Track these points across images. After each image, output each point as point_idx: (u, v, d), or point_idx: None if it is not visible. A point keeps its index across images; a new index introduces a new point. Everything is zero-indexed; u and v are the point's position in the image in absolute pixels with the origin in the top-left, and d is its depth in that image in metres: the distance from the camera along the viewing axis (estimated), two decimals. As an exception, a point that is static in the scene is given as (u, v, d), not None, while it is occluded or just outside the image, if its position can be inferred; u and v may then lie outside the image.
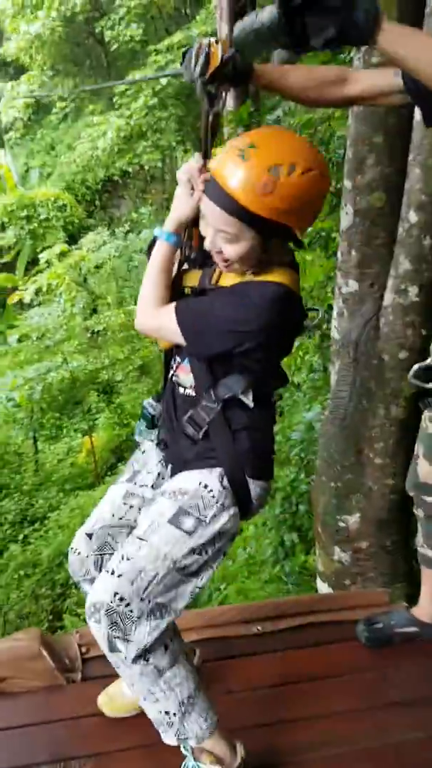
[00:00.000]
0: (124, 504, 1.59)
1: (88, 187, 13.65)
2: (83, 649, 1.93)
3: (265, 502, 1.61)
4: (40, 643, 1.89)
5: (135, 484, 1.61)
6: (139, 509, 1.56)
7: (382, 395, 2.46)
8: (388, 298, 2.40)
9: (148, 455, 1.64)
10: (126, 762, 1.63)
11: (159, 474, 1.61)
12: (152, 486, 1.59)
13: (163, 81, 9.66)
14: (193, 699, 1.45)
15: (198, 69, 1.25)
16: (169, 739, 1.47)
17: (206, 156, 1.37)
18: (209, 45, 1.24)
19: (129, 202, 13.86)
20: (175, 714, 1.44)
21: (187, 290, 1.46)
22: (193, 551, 1.41)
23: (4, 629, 4.84)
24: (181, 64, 1.30)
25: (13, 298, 11.71)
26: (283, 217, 1.27)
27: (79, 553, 1.60)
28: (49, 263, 11.33)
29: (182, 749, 1.50)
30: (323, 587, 2.85)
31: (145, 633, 1.38)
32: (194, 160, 1.38)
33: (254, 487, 1.50)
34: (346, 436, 2.59)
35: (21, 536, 6.36)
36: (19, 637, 1.99)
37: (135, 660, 1.40)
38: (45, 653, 1.87)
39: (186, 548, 1.41)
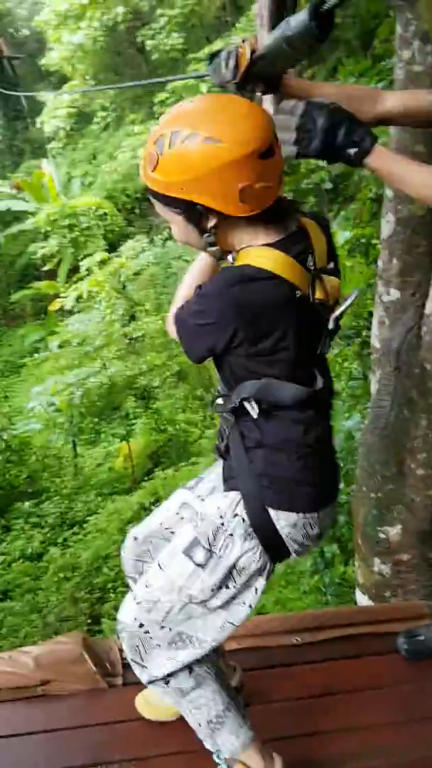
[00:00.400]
0: (177, 514, 1.53)
1: (128, 195, 13.83)
2: (123, 654, 1.95)
3: (309, 540, 1.37)
4: (83, 647, 1.92)
5: (194, 493, 1.52)
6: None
7: (424, 405, 2.43)
8: (430, 306, 2.38)
9: (216, 464, 1.53)
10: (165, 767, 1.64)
11: (214, 487, 1.49)
12: (203, 499, 1.48)
13: (203, 88, 9.73)
14: (222, 719, 1.43)
15: (229, 72, 1.22)
16: (208, 745, 1.48)
17: None
18: (237, 46, 1.22)
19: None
20: (204, 728, 1.45)
21: None
22: (210, 587, 1.32)
23: (44, 631, 4.91)
24: (208, 65, 1.28)
25: (54, 305, 11.94)
26: (180, 192, 1.18)
27: (126, 552, 1.62)
28: (89, 271, 11.51)
29: (215, 758, 1.50)
30: (363, 599, 2.82)
31: (161, 663, 1.38)
32: None
33: (279, 519, 1.32)
34: (387, 445, 2.56)
35: (61, 539, 6.45)
36: (61, 640, 2.02)
37: (150, 683, 1.43)
38: (87, 657, 1.90)
39: (200, 583, 1.33)
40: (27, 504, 7.09)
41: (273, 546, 1.35)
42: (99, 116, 14.31)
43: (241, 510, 1.33)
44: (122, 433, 8.41)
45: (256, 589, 1.37)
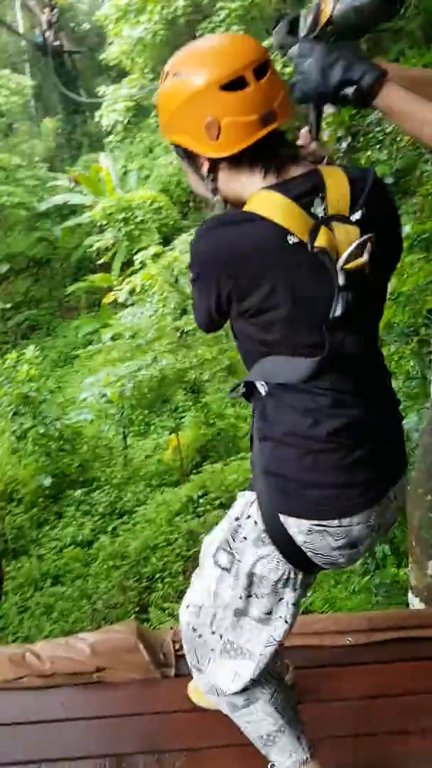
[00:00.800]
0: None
1: (183, 188, 13.89)
2: (176, 646, 1.97)
3: (338, 551, 1.17)
4: (137, 636, 1.95)
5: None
6: None
7: None
8: None
9: None
10: (218, 760, 1.65)
11: None
12: None
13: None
14: (273, 737, 1.39)
15: (306, 28, 1.12)
16: (263, 753, 1.46)
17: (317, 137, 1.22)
18: (319, 3, 1.12)
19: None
20: (257, 741, 1.42)
21: None
22: (239, 595, 1.23)
23: (92, 617, 5.02)
24: (273, 28, 1.20)
25: (108, 298, 12.11)
26: (168, 134, 1.15)
27: None
28: (143, 264, 11.62)
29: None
30: (415, 602, 2.77)
31: (215, 671, 1.33)
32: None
33: (289, 525, 1.16)
34: (447, 448, 2.51)
35: (110, 528, 6.57)
36: (116, 628, 2.06)
37: (207, 691, 1.39)
38: (141, 647, 1.93)
39: (230, 589, 1.24)
40: (78, 492, 7.24)
41: (292, 554, 1.18)
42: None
43: (254, 511, 1.20)
44: (171, 426, 8.49)
45: (286, 602, 1.23)
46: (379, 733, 1.74)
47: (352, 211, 1.10)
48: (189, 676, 1.86)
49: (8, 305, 14.13)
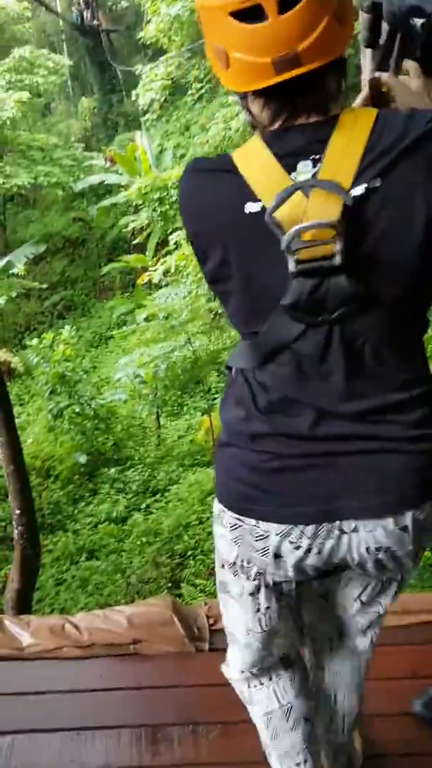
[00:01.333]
0: None
1: (218, 167, 13.77)
2: (210, 621, 2.02)
3: (254, 553, 1.07)
4: (172, 610, 1.99)
5: None
6: None
7: None
8: None
9: None
10: (252, 733, 1.68)
11: None
12: None
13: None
14: (268, 749, 1.36)
15: None
16: None
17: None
18: None
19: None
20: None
21: None
22: (222, 564, 1.17)
23: (126, 591, 5.14)
24: None
25: (143, 278, 12.15)
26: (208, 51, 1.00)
27: None
28: (177, 245, 11.61)
29: None
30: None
31: (229, 654, 1.32)
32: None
33: (223, 515, 1.10)
34: None
35: (144, 505, 6.67)
36: (152, 602, 2.11)
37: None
38: (176, 620, 1.97)
39: (222, 571, 1.19)
40: (113, 470, 7.36)
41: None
42: (193, 88, 14.26)
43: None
44: (204, 407, 8.53)
45: (259, 590, 1.13)
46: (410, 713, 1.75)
47: (358, 180, 0.89)
48: (223, 651, 1.91)
49: (44, 285, 14.28)
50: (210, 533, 4.94)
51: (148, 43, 14.42)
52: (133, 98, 15.57)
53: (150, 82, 14.38)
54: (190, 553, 5.45)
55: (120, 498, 6.88)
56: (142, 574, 5.37)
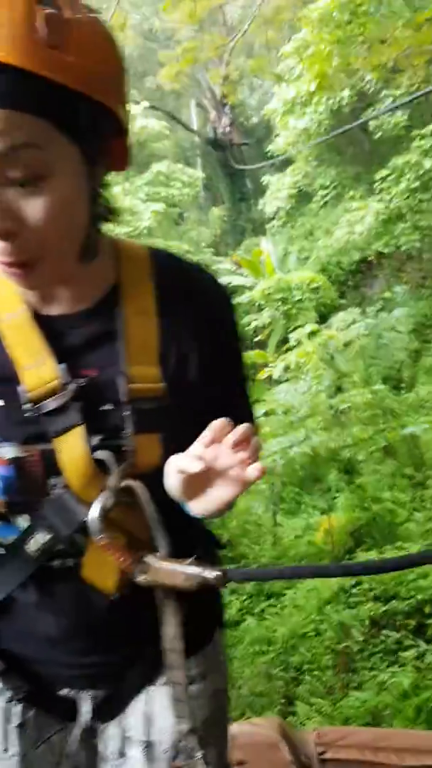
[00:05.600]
0: None
1: (342, 268, 14.04)
2: (320, 749, 1.83)
3: None
4: (280, 734, 1.83)
5: None
6: None
7: None
8: None
9: None
10: None
11: None
12: None
13: (427, 164, 9.64)
14: None
15: None
16: None
17: None
18: None
19: (382, 281, 13.89)
20: None
21: None
22: None
23: (237, 703, 4.83)
24: None
25: (262, 374, 12.35)
26: None
27: None
28: (299, 342, 11.76)
29: None
30: None
31: None
32: None
33: None
34: None
35: (257, 610, 6.38)
36: (259, 722, 1.96)
37: None
38: (284, 744, 1.80)
39: None
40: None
41: None
42: (319, 195, 14.89)
43: None
44: (323, 507, 8.22)
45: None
46: None
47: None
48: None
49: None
50: (328, 647, 4.60)
51: (278, 154, 15.41)
52: (260, 206, 16.52)
53: (277, 191, 15.22)
54: (306, 667, 5.06)
55: (233, 599, 6.63)
56: (254, 686, 5.04)
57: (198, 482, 0.87)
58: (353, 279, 14.20)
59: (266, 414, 10.79)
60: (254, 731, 1.91)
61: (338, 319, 12.68)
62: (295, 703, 4.68)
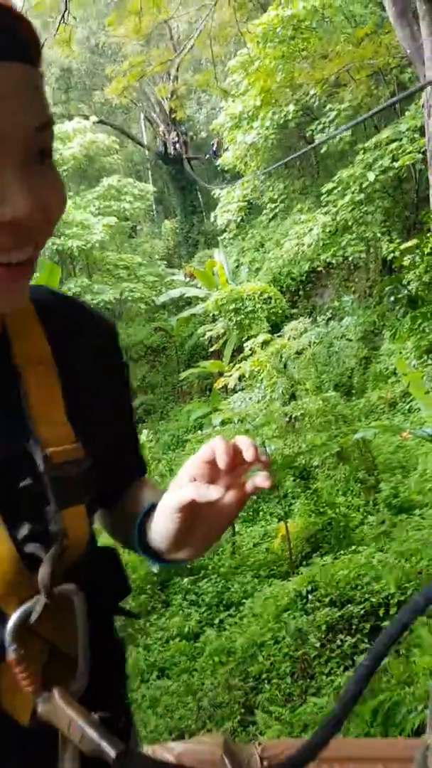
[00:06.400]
0: None
1: (292, 278, 14.30)
2: (264, 763, 1.87)
3: None
4: (224, 750, 1.87)
5: None
6: None
7: None
8: None
9: None
10: None
11: None
12: None
13: (371, 177, 9.93)
14: None
15: None
16: None
17: None
18: None
19: (331, 291, 14.19)
20: None
21: None
22: None
23: (198, 716, 4.85)
24: None
25: (219, 383, 12.45)
26: None
27: None
28: (252, 351, 11.92)
29: None
30: None
31: None
32: None
33: None
34: None
35: (216, 620, 6.41)
36: (203, 740, 2.00)
37: None
38: (227, 761, 1.84)
39: None
40: (186, 580, 7.19)
41: None
42: (268, 208, 15.15)
43: None
44: (280, 513, 8.33)
45: None
46: None
47: None
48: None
49: (126, 392, 14.86)
50: (286, 654, 4.67)
51: (226, 168, 15.60)
52: (212, 219, 16.68)
53: (227, 204, 15.40)
54: (264, 676, 5.11)
55: (192, 611, 6.65)
56: (215, 697, 5.06)
57: (196, 514, 0.77)
58: (303, 289, 14.47)
59: (222, 423, 10.88)
60: (198, 749, 1.93)
61: (290, 328, 12.91)
62: (254, 712, 4.73)
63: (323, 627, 5.25)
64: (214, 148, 18.73)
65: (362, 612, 5.23)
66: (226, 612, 6.54)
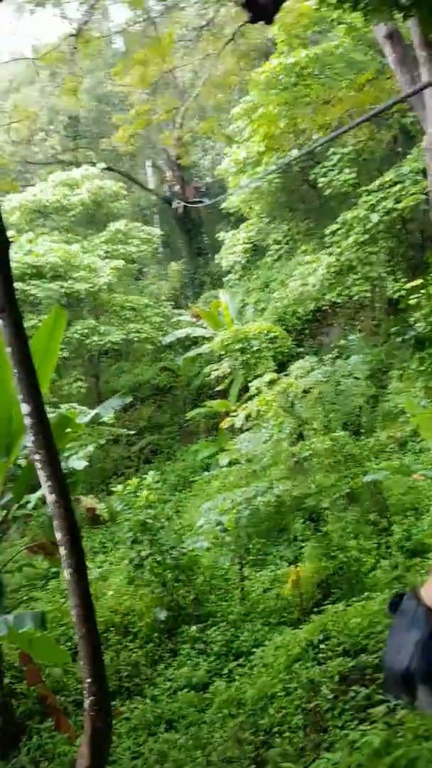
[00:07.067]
0: None
1: (298, 318, 14.37)
2: None
3: None
4: None
5: None
6: None
7: None
8: None
9: None
10: None
11: None
12: None
13: (374, 218, 10.04)
14: None
15: None
16: None
17: None
18: None
19: (337, 330, 14.24)
20: None
21: None
22: None
23: (205, 774, 4.63)
24: None
25: (225, 423, 12.38)
26: None
27: None
28: (259, 390, 11.87)
29: None
30: None
31: None
32: None
33: None
34: None
35: (226, 670, 6.20)
36: None
37: None
38: None
39: None
40: (194, 628, 6.99)
41: None
42: (272, 249, 15.34)
43: None
44: (290, 557, 8.15)
45: None
46: None
47: None
48: None
49: (133, 432, 14.81)
50: (298, 706, 4.48)
51: (231, 211, 15.85)
52: (217, 260, 16.87)
53: (232, 246, 15.61)
54: (276, 729, 4.90)
55: (201, 660, 6.43)
56: (224, 752, 4.84)
57: None
58: (309, 328, 14.52)
59: (230, 464, 10.76)
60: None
61: (296, 366, 12.87)
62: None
63: (336, 678, 5.05)
64: (202, 191, 19.16)
65: (376, 661, 5.04)
66: (235, 661, 6.32)
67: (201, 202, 20.68)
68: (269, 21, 4.70)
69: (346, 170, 12.04)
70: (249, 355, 13.17)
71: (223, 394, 14.40)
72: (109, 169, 19.30)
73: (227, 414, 12.76)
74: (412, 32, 7.01)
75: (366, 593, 6.29)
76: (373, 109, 12.20)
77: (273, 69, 12.46)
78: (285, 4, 6.05)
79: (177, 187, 20.24)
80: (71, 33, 11.71)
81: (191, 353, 15.56)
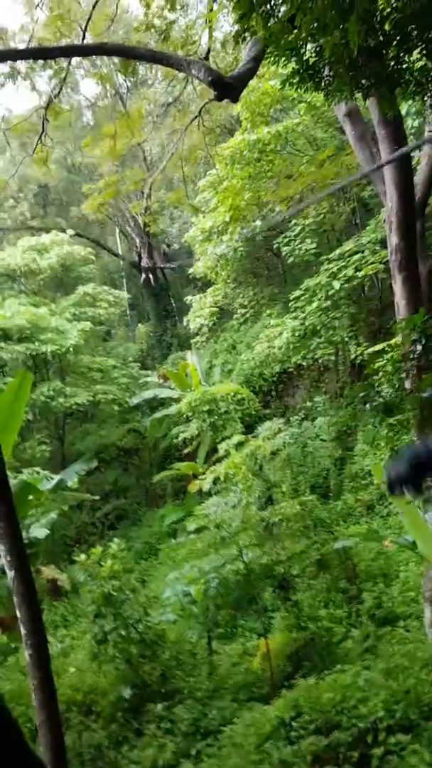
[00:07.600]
0: None
1: (265, 379, 14.51)
2: None
3: None
4: None
5: None
6: None
7: None
8: None
9: None
10: None
11: None
12: None
13: (336, 285, 10.36)
14: None
15: None
16: None
17: None
18: None
19: (303, 391, 14.40)
20: None
21: None
22: None
23: None
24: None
25: (193, 486, 12.24)
26: None
27: None
28: (227, 452, 11.82)
29: None
30: None
31: None
32: None
33: None
34: None
35: (194, 751, 5.88)
36: None
37: None
38: None
39: None
40: (159, 706, 6.66)
41: None
42: (239, 312, 15.65)
43: None
44: (260, 629, 7.92)
45: None
46: None
47: None
48: None
49: (97, 497, 14.49)
50: (272, 794, 4.20)
51: (198, 277, 16.20)
52: (185, 323, 17.11)
53: (200, 309, 15.88)
54: None
55: (167, 741, 6.09)
56: None
57: None
58: (276, 389, 14.66)
59: (197, 531, 10.54)
60: None
61: (264, 428, 12.89)
62: None
63: (308, 758, 4.83)
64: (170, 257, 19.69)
65: (350, 739, 4.85)
66: (203, 741, 6.00)
67: (171, 268, 21.17)
68: (234, 99, 4.91)
69: (308, 240, 12.49)
70: (217, 417, 13.18)
71: (191, 456, 14.28)
72: (78, 235, 19.65)
73: (195, 477, 12.63)
74: (371, 110, 7.43)
75: (337, 665, 6.11)
76: (334, 183, 12.84)
77: (237, 144, 13.04)
78: (249, 84, 6.38)
79: (145, 253, 20.69)
80: (41, 105, 12.09)
81: (158, 414, 15.48)
